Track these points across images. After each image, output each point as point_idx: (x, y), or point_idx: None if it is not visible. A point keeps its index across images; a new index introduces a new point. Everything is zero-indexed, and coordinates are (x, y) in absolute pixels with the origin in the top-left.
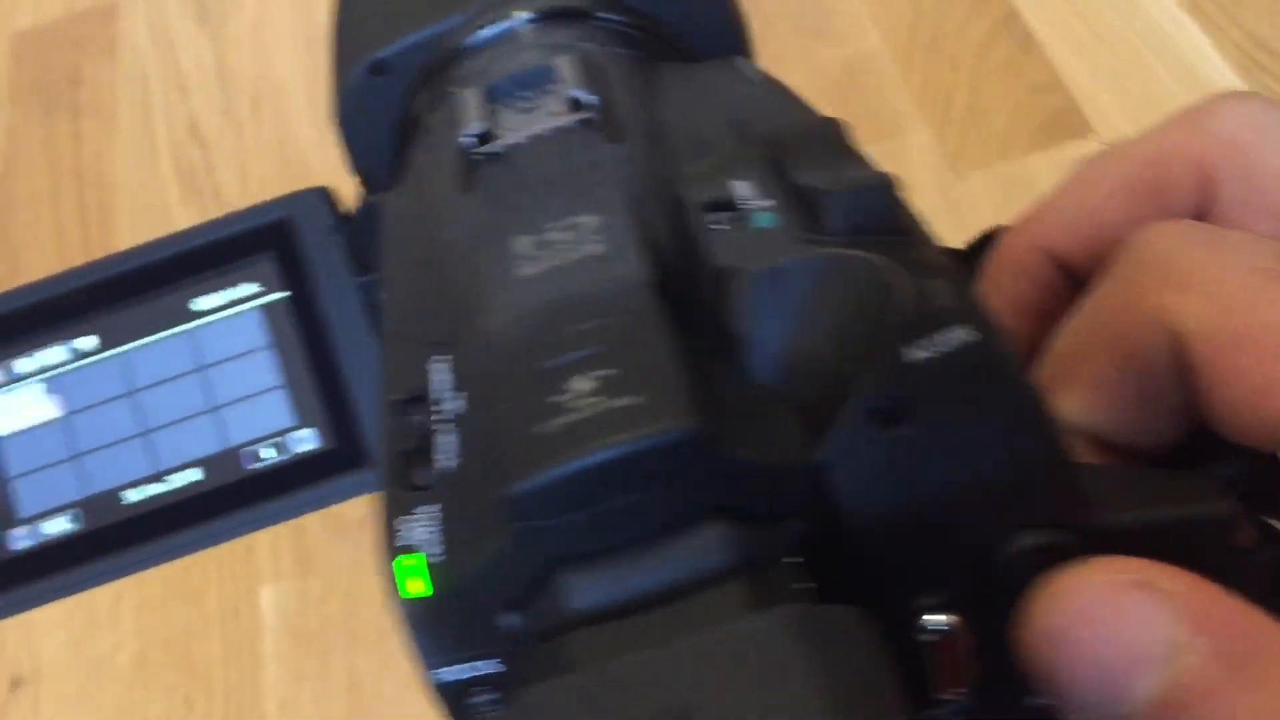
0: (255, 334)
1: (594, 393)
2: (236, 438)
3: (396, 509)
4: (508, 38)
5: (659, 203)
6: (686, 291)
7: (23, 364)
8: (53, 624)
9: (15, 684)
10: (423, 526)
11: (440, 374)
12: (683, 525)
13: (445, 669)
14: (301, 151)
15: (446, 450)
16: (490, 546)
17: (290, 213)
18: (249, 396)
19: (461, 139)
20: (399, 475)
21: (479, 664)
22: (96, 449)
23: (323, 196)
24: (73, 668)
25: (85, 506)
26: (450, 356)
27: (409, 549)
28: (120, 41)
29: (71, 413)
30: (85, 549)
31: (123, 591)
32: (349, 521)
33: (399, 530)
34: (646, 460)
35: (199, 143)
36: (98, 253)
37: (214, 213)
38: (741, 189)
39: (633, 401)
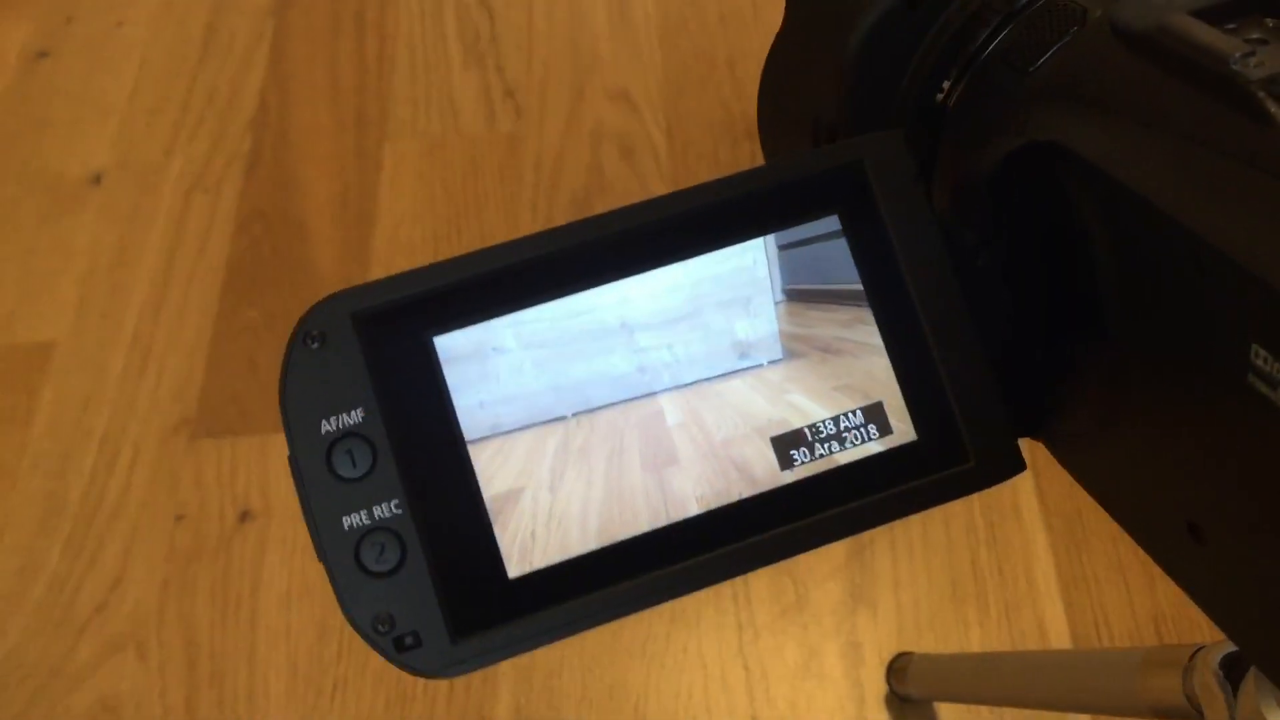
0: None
1: None
2: (784, 429)
3: None
4: None
5: None
6: None
7: (502, 333)
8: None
9: (244, 517)
10: None
11: None
12: None
13: None
14: (592, 41)
15: None
16: None
17: (862, 156)
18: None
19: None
20: None
21: None
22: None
23: (899, 140)
24: None
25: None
26: None
27: None
28: None
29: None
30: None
31: None
32: None
33: None
34: None
35: (486, 11)
36: (372, 99)
37: (495, 86)
38: None
39: None
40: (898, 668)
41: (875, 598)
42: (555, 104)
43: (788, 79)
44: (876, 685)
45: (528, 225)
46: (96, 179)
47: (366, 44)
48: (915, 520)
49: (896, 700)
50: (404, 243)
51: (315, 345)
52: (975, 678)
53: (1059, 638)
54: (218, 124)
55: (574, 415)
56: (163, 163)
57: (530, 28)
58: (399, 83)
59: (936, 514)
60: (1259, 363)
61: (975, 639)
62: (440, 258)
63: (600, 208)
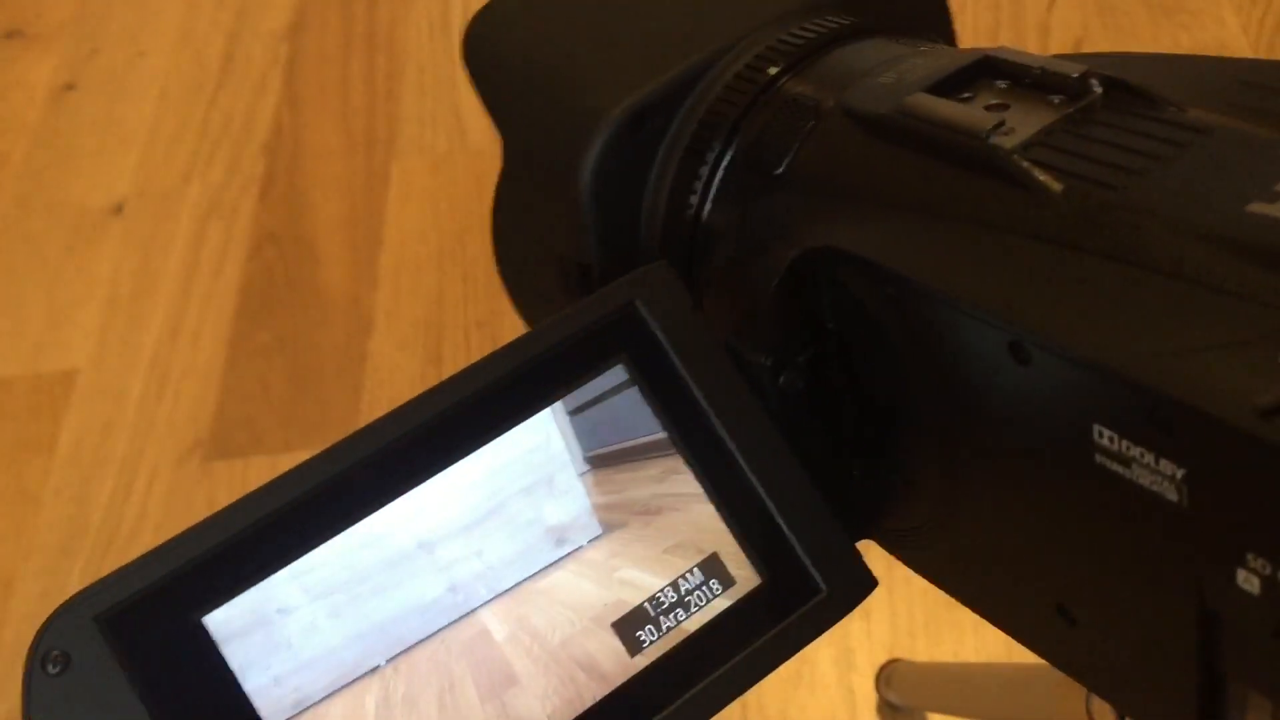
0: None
1: None
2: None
3: None
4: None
5: None
6: None
7: (284, 590)
8: None
9: None
10: None
11: None
12: None
13: None
14: None
15: None
16: None
17: (632, 297)
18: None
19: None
20: None
21: None
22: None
23: (667, 272)
24: None
25: None
26: None
27: None
28: None
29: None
30: None
31: None
32: None
33: None
34: None
35: None
36: (381, 118)
37: None
38: None
39: None
40: (885, 674)
41: (868, 603)
42: None
43: (521, 222)
44: (868, 693)
45: None
46: (118, 208)
47: (376, 63)
48: None
49: (888, 708)
50: (410, 260)
51: (56, 670)
52: (947, 687)
53: None
54: (233, 149)
55: (389, 661)
56: (181, 190)
57: None
58: (407, 101)
59: None
60: (1104, 442)
61: (969, 645)
62: (445, 275)
63: None
